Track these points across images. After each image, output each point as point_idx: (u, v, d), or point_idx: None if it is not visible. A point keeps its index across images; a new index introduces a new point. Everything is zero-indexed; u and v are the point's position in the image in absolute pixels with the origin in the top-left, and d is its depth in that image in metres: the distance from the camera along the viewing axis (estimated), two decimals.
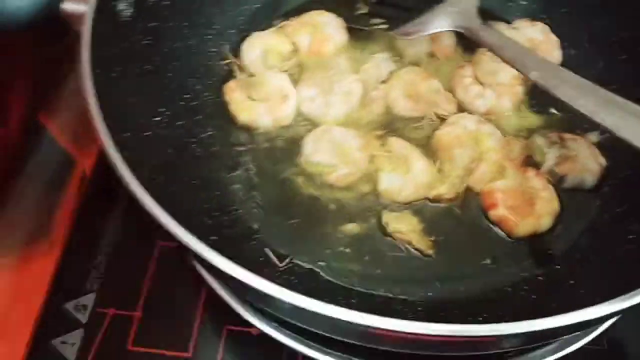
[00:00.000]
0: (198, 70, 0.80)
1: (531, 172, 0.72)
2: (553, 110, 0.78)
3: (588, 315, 0.49)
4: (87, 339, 0.72)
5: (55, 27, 0.84)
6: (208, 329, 0.73)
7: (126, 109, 0.66)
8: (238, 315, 0.70)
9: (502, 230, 0.70)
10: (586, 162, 0.73)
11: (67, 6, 0.67)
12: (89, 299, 0.75)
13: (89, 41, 0.63)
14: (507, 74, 0.78)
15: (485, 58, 0.80)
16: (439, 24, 0.76)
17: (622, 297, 0.50)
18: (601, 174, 0.73)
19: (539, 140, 0.75)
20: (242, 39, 0.83)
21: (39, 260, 0.81)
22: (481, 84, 0.79)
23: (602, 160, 0.74)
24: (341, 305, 0.49)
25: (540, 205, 0.70)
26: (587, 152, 0.73)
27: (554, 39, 0.83)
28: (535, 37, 0.82)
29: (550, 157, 0.74)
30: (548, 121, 0.78)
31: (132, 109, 0.67)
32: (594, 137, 0.76)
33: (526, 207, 0.70)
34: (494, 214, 0.70)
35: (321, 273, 0.67)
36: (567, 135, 0.75)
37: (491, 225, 0.70)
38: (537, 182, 0.72)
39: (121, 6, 0.69)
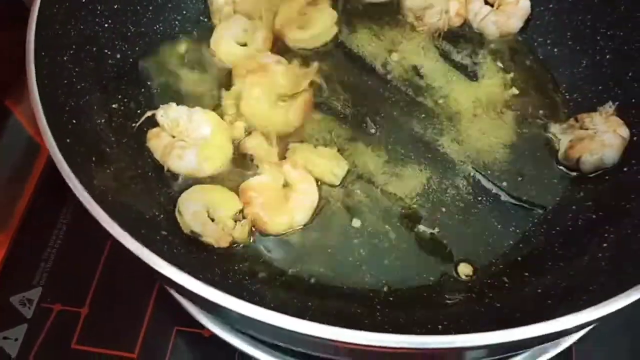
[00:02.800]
0: (162, 58, 0.76)
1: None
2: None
3: (551, 327, 0.46)
4: (30, 335, 0.69)
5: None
6: (157, 329, 0.70)
7: (77, 95, 0.63)
8: (189, 316, 0.67)
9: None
10: (604, 138, 0.68)
11: None
12: (35, 294, 0.72)
13: (36, 20, 0.60)
14: None
15: None
16: None
17: (590, 308, 0.47)
18: (625, 148, 0.68)
19: (552, 128, 0.73)
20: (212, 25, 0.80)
21: None
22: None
23: (624, 132, 0.68)
24: (294, 310, 0.46)
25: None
26: (604, 126, 0.69)
27: None
28: None
29: (563, 143, 0.71)
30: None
31: (83, 98, 0.64)
32: (608, 107, 0.70)
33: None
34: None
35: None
36: (583, 115, 0.72)
37: None
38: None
39: None
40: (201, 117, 0.70)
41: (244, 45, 0.78)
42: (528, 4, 0.80)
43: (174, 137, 0.68)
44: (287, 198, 0.67)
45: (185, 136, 0.68)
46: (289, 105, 0.73)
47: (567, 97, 0.77)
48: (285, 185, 0.68)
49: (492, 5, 0.81)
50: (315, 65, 0.75)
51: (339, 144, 0.72)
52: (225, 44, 0.77)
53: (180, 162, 0.67)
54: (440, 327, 0.55)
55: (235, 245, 0.64)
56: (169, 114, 0.69)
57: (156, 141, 0.69)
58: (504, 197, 0.69)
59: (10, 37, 0.88)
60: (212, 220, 0.64)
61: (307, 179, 0.68)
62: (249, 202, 0.65)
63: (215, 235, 0.63)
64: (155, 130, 0.69)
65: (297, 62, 0.75)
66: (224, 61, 0.77)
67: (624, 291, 0.48)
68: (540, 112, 0.76)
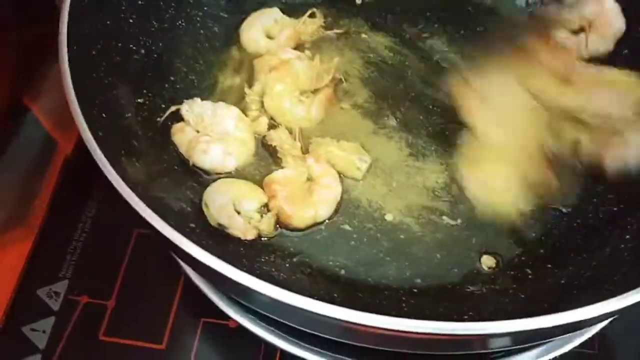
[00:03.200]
0: (185, 52, 0.77)
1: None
2: None
3: (575, 316, 0.47)
4: (58, 327, 0.70)
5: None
6: (184, 321, 0.71)
7: (105, 90, 0.64)
8: (215, 307, 0.68)
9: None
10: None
11: None
12: (61, 286, 0.72)
13: (67, 15, 0.61)
14: None
15: None
16: None
17: (616, 298, 0.48)
18: None
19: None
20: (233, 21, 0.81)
21: (16, 246, 0.78)
22: None
23: None
24: (321, 298, 0.47)
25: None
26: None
27: (613, 7, 0.74)
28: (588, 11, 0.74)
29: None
30: None
31: (111, 92, 0.65)
32: None
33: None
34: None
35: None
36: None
37: None
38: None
39: None
40: (225, 112, 0.71)
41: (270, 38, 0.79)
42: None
43: (198, 131, 0.69)
44: (310, 192, 0.68)
45: (209, 131, 0.69)
46: (311, 100, 0.73)
47: None
48: (309, 179, 0.69)
49: None
50: (335, 61, 0.75)
51: (361, 138, 0.73)
52: (254, 31, 0.79)
53: (205, 156, 0.68)
54: (465, 317, 0.56)
55: (261, 238, 0.65)
56: (193, 108, 0.70)
57: (181, 136, 0.69)
58: None
59: (28, 35, 0.89)
60: (238, 213, 0.65)
61: (330, 173, 0.69)
62: (273, 195, 0.66)
63: (242, 228, 0.64)
64: (179, 124, 0.70)
65: (318, 58, 0.76)
66: (247, 48, 0.79)
67: None
68: None
